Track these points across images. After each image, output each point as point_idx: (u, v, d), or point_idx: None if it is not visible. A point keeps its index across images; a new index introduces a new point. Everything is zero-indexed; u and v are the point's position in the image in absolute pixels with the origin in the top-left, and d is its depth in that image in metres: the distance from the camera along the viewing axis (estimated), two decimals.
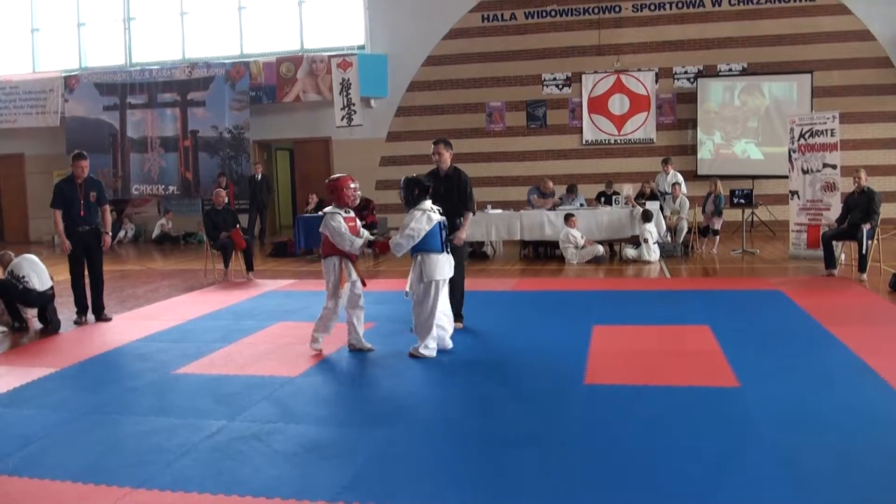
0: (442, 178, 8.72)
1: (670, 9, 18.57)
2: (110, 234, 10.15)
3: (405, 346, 7.72)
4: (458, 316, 8.58)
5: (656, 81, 18.78)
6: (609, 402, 5.87)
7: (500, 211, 14.48)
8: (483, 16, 19.39)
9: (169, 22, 22.03)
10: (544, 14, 19.12)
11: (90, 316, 9.88)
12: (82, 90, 21.77)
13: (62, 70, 22.56)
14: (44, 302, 9.60)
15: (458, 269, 8.20)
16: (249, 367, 7.25)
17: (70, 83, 21.93)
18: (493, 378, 6.66)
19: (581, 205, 15.06)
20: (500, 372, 6.84)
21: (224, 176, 19.38)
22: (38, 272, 9.61)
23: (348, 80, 19.14)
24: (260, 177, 19.47)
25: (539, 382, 6.43)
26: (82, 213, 9.64)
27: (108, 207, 10.10)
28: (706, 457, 4.67)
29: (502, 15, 19.29)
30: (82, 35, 22.92)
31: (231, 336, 8.63)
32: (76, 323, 9.70)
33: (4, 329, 9.54)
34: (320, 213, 15.71)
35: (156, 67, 21.43)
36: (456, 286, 8.42)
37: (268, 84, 20.18)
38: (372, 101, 19.93)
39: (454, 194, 8.64)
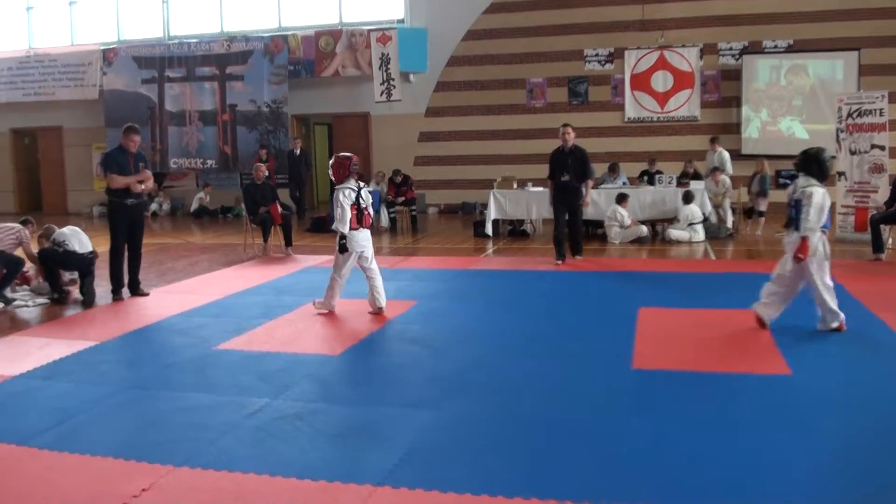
0: (567, 153, 11.49)
1: None
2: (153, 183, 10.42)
3: (447, 325, 7.86)
4: (579, 251, 11.87)
5: (700, 58, 18.49)
6: (658, 388, 5.75)
7: (541, 189, 14.25)
8: None
9: None
10: None
11: (126, 292, 9.91)
12: (120, 63, 21.96)
13: (100, 43, 22.72)
14: (85, 265, 9.74)
15: (575, 214, 11.69)
16: (290, 345, 7.25)
17: (108, 56, 22.16)
18: (538, 360, 6.56)
19: (623, 183, 14.94)
20: (546, 354, 6.75)
21: (265, 149, 19.39)
22: (79, 238, 9.80)
23: (387, 54, 19.11)
24: (299, 152, 19.43)
25: (586, 366, 6.35)
26: None
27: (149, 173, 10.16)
28: (758, 447, 4.55)
29: None
30: (120, 8, 23.08)
31: (271, 312, 8.65)
32: (113, 299, 9.74)
33: (45, 300, 9.70)
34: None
35: (194, 41, 21.55)
36: (573, 228, 11.79)
37: (306, 58, 20.22)
38: (411, 76, 19.92)
39: (578, 166, 11.41)
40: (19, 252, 9.98)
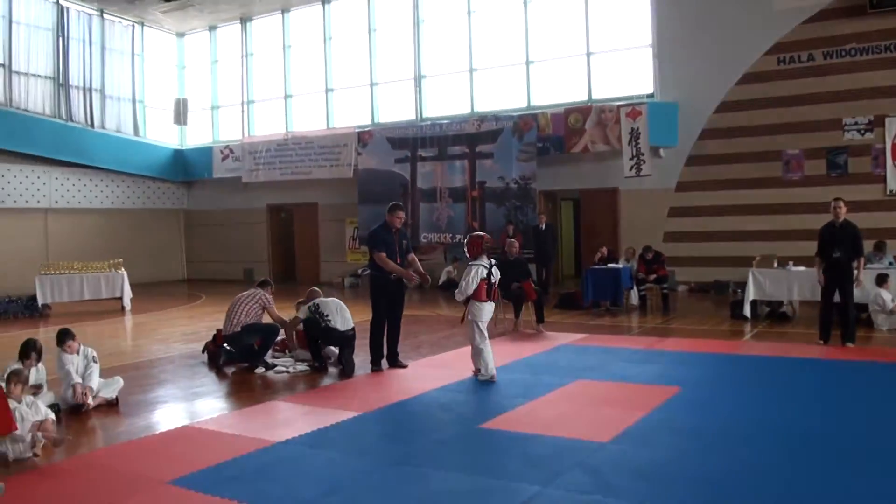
0: (838, 228, 11.55)
1: None
2: (427, 274, 10.89)
3: (715, 418, 7.64)
4: (850, 336, 11.51)
5: None
6: None
7: (802, 268, 14.06)
8: (779, 58, 19.21)
9: (458, 78, 23.77)
10: (843, 53, 18.68)
11: (384, 363, 10.66)
12: (375, 144, 23.90)
13: (356, 126, 24.90)
14: (343, 342, 10.68)
15: (845, 295, 11.43)
16: (556, 428, 7.28)
17: (363, 138, 24.18)
18: (820, 465, 6.18)
19: (889, 263, 14.47)
20: (828, 458, 6.33)
21: (512, 225, 20.29)
22: (343, 315, 10.73)
23: (637, 129, 19.56)
24: (544, 226, 20.17)
25: (877, 475, 5.89)
26: (398, 260, 10.47)
27: (413, 255, 10.97)
28: None
29: (799, 56, 19.01)
30: (375, 94, 25.29)
31: (531, 392, 8.87)
32: (372, 370, 10.51)
33: (306, 368, 10.75)
34: (609, 265, 16.38)
35: (445, 122, 23.05)
36: (843, 310, 11.54)
37: (555, 135, 20.95)
38: (661, 151, 20.18)
39: (848, 242, 11.43)
40: (266, 318, 11.25)
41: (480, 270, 9.64)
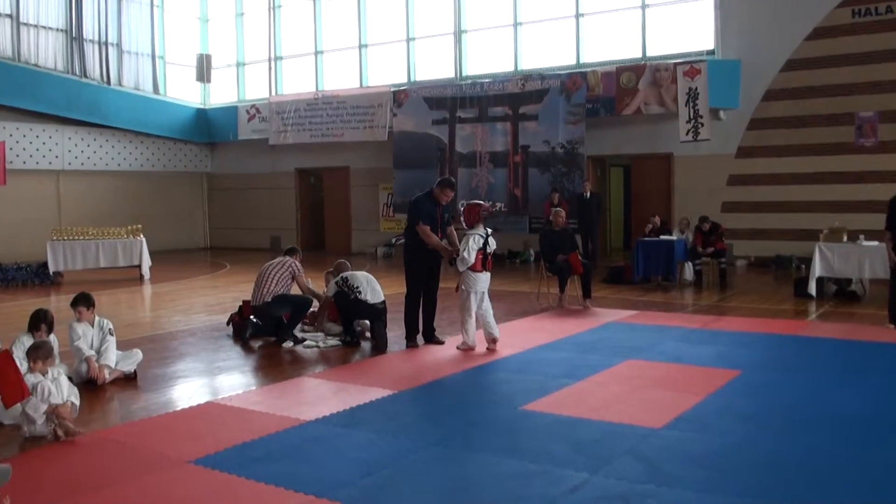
0: None
1: None
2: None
3: (780, 403, 7.50)
4: None
5: None
6: None
7: (875, 243, 13.47)
8: (853, 10, 18.45)
9: (501, 33, 23.19)
10: None
11: (420, 339, 10.50)
12: (411, 104, 23.42)
13: (391, 85, 24.41)
14: (373, 315, 10.52)
15: None
16: (604, 412, 7.18)
17: (399, 98, 23.67)
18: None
19: None
20: None
21: (558, 193, 19.77)
22: (373, 287, 10.59)
23: (695, 89, 18.98)
24: (589, 195, 19.61)
25: None
26: (439, 234, 10.23)
27: (452, 229, 10.57)
28: None
29: (876, 8, 18.22)
30: (412, 50, 24.76)
31: (577, 372, 8.71)
32: (407, 346, 10.38)
33: (337, 342, 10.57)
34: (661, 237, 15.87)
35: (487, 80, 22.50)
36: None
37: (606, 95, 20.43)
38: (721, 113, 19.70)
39: None
40: (295, 288, 11.07)
41: (477, 239, 9.87)
